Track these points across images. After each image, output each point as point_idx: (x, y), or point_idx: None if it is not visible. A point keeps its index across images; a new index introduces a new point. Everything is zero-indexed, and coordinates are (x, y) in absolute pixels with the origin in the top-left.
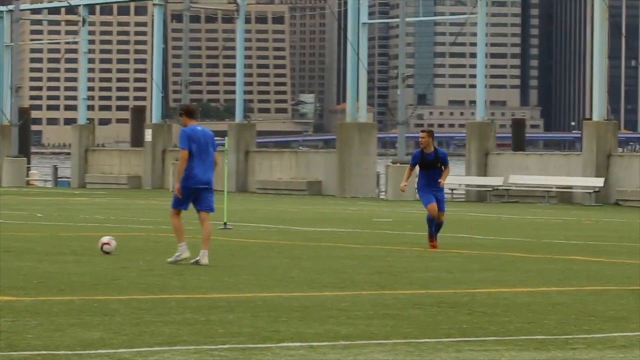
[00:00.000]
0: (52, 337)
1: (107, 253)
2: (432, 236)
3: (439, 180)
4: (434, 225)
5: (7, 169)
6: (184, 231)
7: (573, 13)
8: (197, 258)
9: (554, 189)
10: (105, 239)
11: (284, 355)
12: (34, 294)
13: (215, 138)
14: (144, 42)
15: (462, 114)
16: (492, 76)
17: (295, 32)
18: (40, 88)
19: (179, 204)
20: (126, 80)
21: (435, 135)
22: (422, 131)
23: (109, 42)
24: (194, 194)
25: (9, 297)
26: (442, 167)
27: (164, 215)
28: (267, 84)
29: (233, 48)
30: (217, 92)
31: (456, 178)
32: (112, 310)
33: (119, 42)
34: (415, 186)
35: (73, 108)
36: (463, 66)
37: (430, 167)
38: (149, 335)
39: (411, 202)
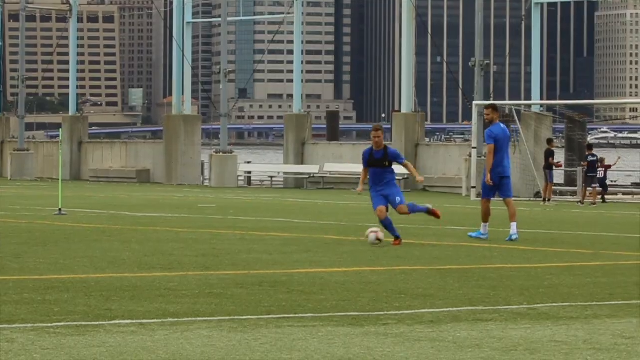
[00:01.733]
0: None
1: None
2: (396, 235)
3: (418, 178)
4: (389, 224)
5: None
6: None
7: (383, 13)
8: None
9: None
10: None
11: (116, 332)
12: None
13: (49, 131)
14: None
15: (280, 106)
16: (308, 71)
17: (124, 30)
18: None
19: None
20: None
21: (255, 126)
22: (376, 129)
23: None
24: None
25: None
26: (390, 165)
27: (3, 202)
28: (98, 79)
29: (67, 46)
30: (52, 86)
31: (275, 166)
32: None
33: None
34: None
35: None
36: (281, 62)
37: (376, 164)
38: None
39: (233, 188)
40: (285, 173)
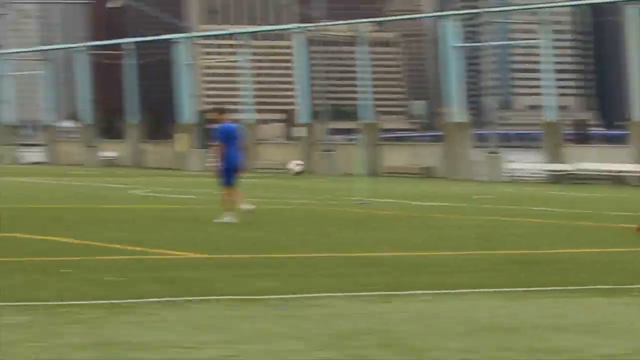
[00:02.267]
0: (237, 284)
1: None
2: None
3: None
4: None
5: (191, 157)
6: (231, 203)
7: (615, 39)
8: (249, 207)
9: (611, 174)
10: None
11: (410, 301)
12: (221, 253)
13: (348, 135)
14: (289, 61)
15: (537, 115)
16: (558, 87)
17: (405, 53)
18: (213, 96)
19: (225, 182)
20: (279, 89)
21: (517, 132)
22: None
23: (263, 60)
24: (231, 173)
25: (199, 254)
26: None
27: (316, 193)
28: (387, 92)
29: (355, 65)
30: (347, 98)
31: (535, 165)
32: (282, 265)
33: (273, 60)
34: None
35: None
36: (535, 79)
37: None
38: (311, 284)
39: (501, 183)
40: (545, 170)
